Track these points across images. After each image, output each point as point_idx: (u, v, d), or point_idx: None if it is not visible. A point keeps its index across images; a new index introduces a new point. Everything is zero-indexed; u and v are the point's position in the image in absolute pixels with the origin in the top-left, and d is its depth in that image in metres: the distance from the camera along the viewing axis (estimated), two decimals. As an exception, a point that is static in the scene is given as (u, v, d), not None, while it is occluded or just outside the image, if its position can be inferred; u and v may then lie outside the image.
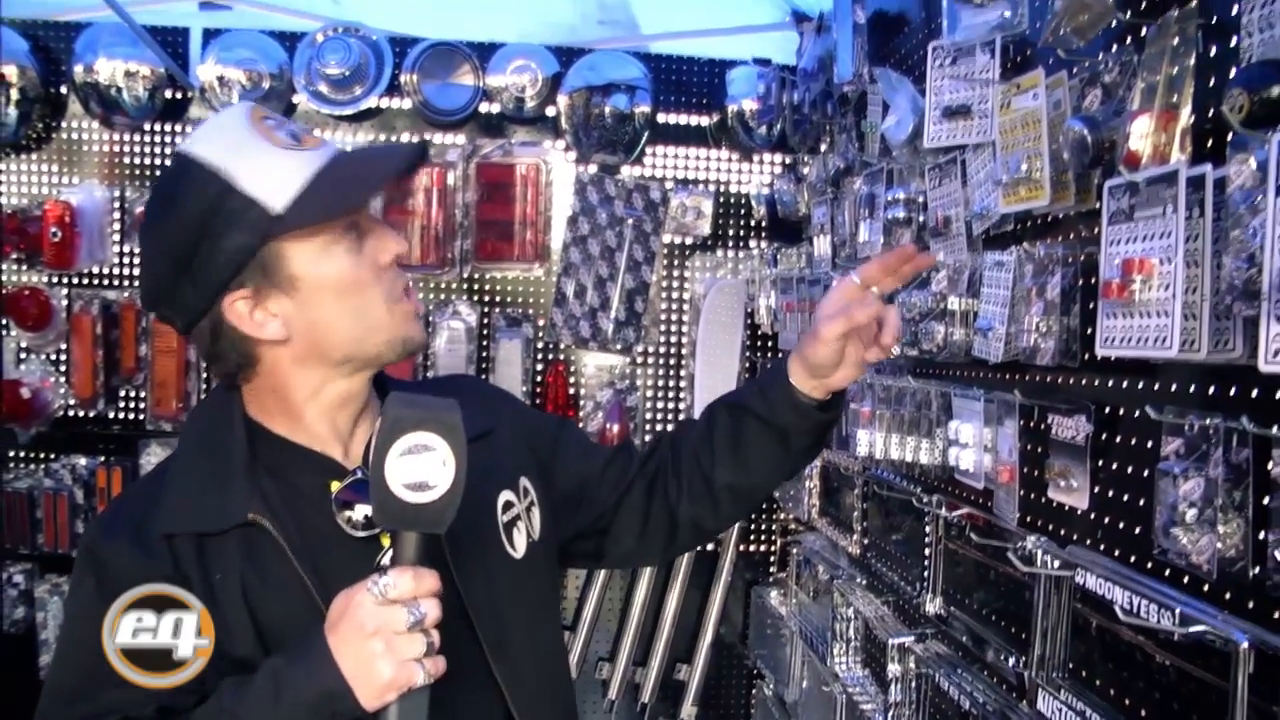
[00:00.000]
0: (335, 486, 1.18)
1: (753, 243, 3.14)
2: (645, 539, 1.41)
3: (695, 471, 1.37)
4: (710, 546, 3.07)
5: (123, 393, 2.92)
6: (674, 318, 3.13)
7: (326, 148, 1.15)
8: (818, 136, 2.61)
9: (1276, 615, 0.99)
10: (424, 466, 0.95)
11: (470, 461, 1.10)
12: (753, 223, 3.14)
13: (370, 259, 1.15)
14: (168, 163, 2.87)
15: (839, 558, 2.42)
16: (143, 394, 2.91)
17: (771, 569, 3.15)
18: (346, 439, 1.22)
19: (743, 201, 3.14)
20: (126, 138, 2.94)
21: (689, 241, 3.12)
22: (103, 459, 2.90)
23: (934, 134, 1.68)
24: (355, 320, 1.14)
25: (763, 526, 3.17)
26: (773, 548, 3.17)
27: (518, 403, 1.55)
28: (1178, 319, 1.02)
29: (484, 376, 3.02)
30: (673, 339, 3.13)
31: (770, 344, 3.08)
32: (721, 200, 3.12)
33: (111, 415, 2.92)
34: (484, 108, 2.98)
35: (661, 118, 3.06)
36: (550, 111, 2.99)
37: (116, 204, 2.93)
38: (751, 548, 3.16)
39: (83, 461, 2.90)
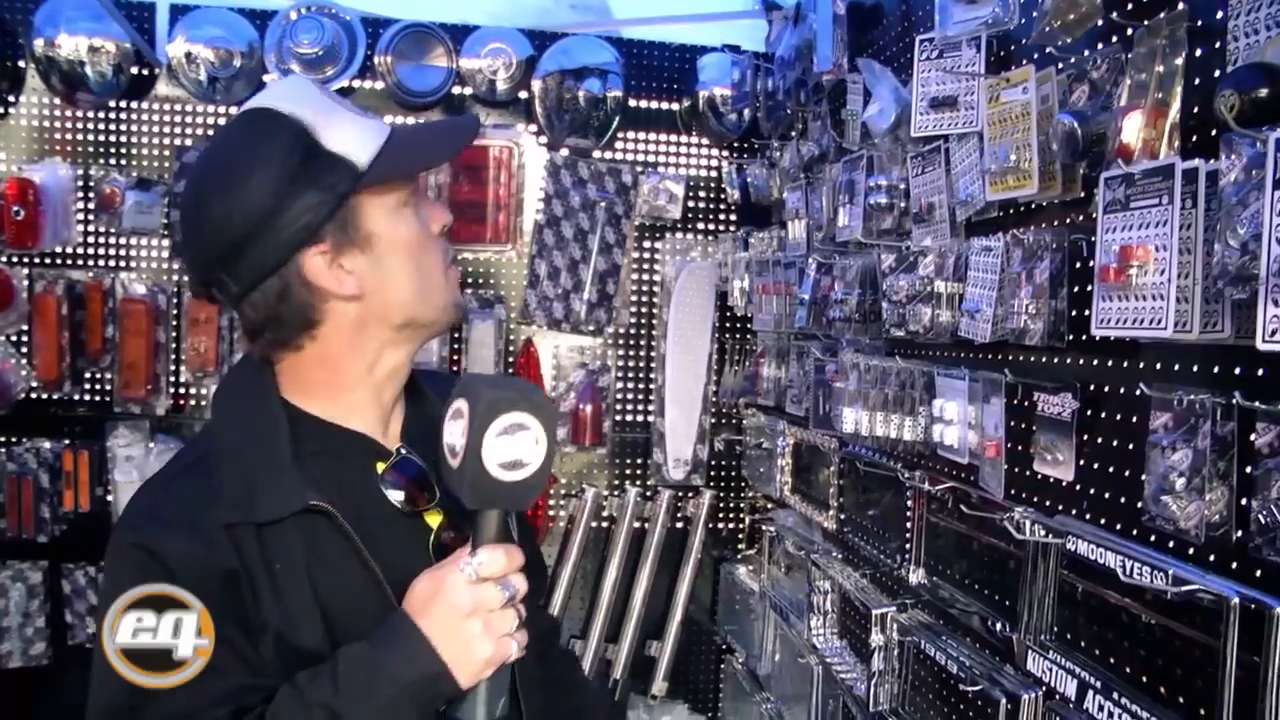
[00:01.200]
0: (381, 467, 1.18)
1: (723, 226, 3.20)
2: None
3: None
4: (680, 524, 3.14)
5: (89, 375, 2.88)
6: (645, 300, 3.17)
7: (384, 120, 1.22)
8: (791, 124, 2.67)
9: (1258, 574, 1.08)
10: (520, 445, 0.97)
11: None
12: (722, 206, 3.20)
13: (427, 225, 1.20)
14: (134, 140, 2.87)
15: (813, 533, 2.50)
16: (109, 376, 2.87)
17: (740, 546, 3.22)
18: (388, 418, 1.23)
19: (712, 186, 3.20)
20: (90, 115, 2.88)
21: (660, 224, 3.17)
22: (68, 442, 2.86)
23: (920, 124, 1.74)
24: (421, 281, 1.18)
25: (731, 504, 3.24)
26: (741, 525, 3.25)
27: None
28: (1172, 302, 1.10)
29: (457, 358, 3.04)
30: (643, 320, 3.17)
31: (743, 325, 3.15)
32: (692, 184, 3.17)
33: (77, 398, 2.88)
34: (456, 90, 2.98)
35: (633, 102, 3.09)
36: (523, 95, 3.01)
37: (81, 182, 2.87)
38: (720, 525, 3.23)
39: (47, 445, 2.85)
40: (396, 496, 1.17)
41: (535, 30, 3.00)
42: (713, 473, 3.21)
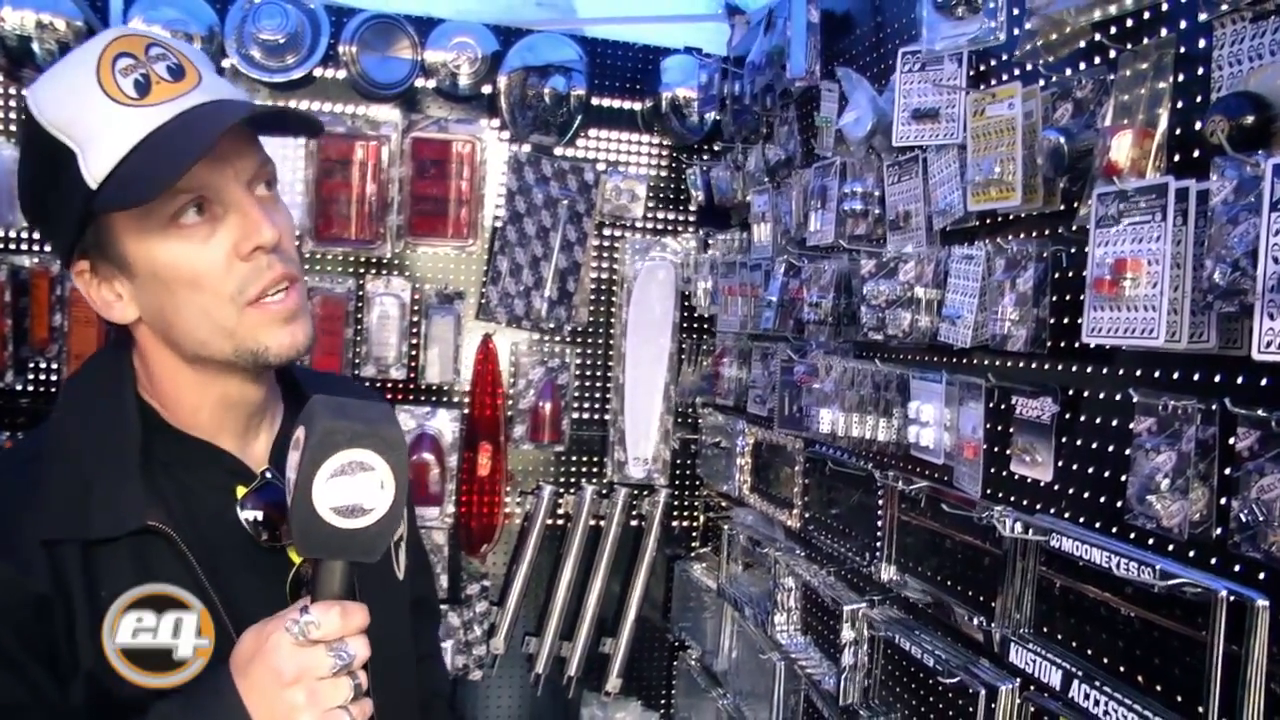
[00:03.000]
0: (241, 491, 1.04)
1: (683, 227, 3.23)
2: None
3: None
4: (634, 523, 3.17)
5: (34, 364, 2.78)
6: (604, 298, 3.19)
7: (186, 97, 0.96)
8: (756, 127, 2.71)
9: (1237, 569, 1.15)
10: (359, 488, 0.83)
11: None
12: (682, 208, 3.24)
13: (223, 246, 0.97)
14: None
15: (774, 531, 2.55)
16: (55, 366, 2.78)
17: (694, 544, 3.26)
18: (243, 439, 1.09)
19: (673, 186, 3.23)
20: (36, 95, 2.78)
21: (621, 223, 3.19)
22: (11, 435, 2.75)
23: (902, 134, 1.80)
24: (198, 318, 0.98)
25: (685, 503, 3.28)
26: (695, 523, 3.29)
27: None
28: (1164, 314, 1.16)
29: (415, 353, 3.01)
30: (602, 319, 3.19)
31: (702, 325, 3.19)
32: (652, 184, 3.20)
33: (20, 388, 2.77)
34: (419, 83, 2.95)
35: (596, 101, 3.11)
36: (485, 90, 3.00)
37: (25, 165, 2.77)
38: (674, 524, 3.27)
39: (-14, 436, 2.74)
40: (254, 526, 1.03)
41: (501, 25, 3.00)
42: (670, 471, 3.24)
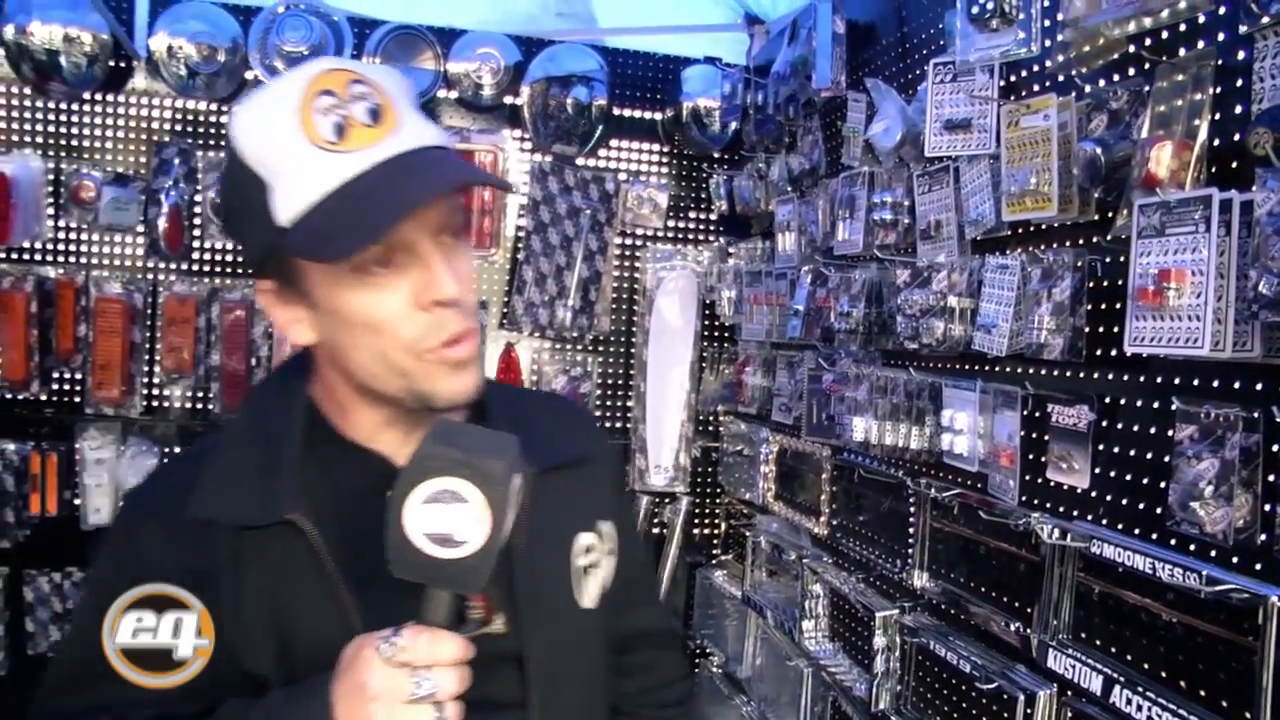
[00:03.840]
0: None
1: (704, 236, 3.26)
2: None
3: None
4: (656, 530, 3.18)
5: (58, 375, 2.80)
6: (625, 307, 3.21)
7: (381, 145, 0.94)
8: (779, 137, 2.73)
9: (1282, 576, 1.16)
10: (452, 518, 0.81)
11: (555, 490, 1.04)
12: (703, 217, 3.26)
13: (404, 296, 0.96)
14: (110, 134, 2.81)
15: (800, 538, 2.56)
16: (79, 376, 2.80)
17: (716, 551, 3.27)
18: (402, 447, 1.07)
19: (694, 196, 3.25)
20: (64, 106, 2.81)
21: (642, 232, 3.21)
22: (35, 444, 2.77)
23: (934, 144, 1.82)
24: (372, 359, 0.99)
25: (707, 510, 3.29)
26: (717, 531, 3.30)
27: (606, 446, 1.32)
28: (1209, 323, 1.18)
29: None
30: (623, 328, 3.21)
31: (724, 333, 3.20)
32: (673, 194, 3.22)
33: (45, 398, 2.79)
34: (442, 94, 2.98)
35: (617, 111, 3.13)
36: (507, 100, 3.02)
37: (52, 176, 2.80)
38: (695, 531, 3.28)
39: (13, 447, 2.75)
40: None
41: (523, 36, 3.02)
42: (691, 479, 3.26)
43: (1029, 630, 1.56)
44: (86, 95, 2.81)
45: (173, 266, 2.87)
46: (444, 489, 0.81)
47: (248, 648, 1.00)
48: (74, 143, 2.83)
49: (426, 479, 0.81)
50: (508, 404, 1.17)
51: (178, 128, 2.88)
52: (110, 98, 2.84)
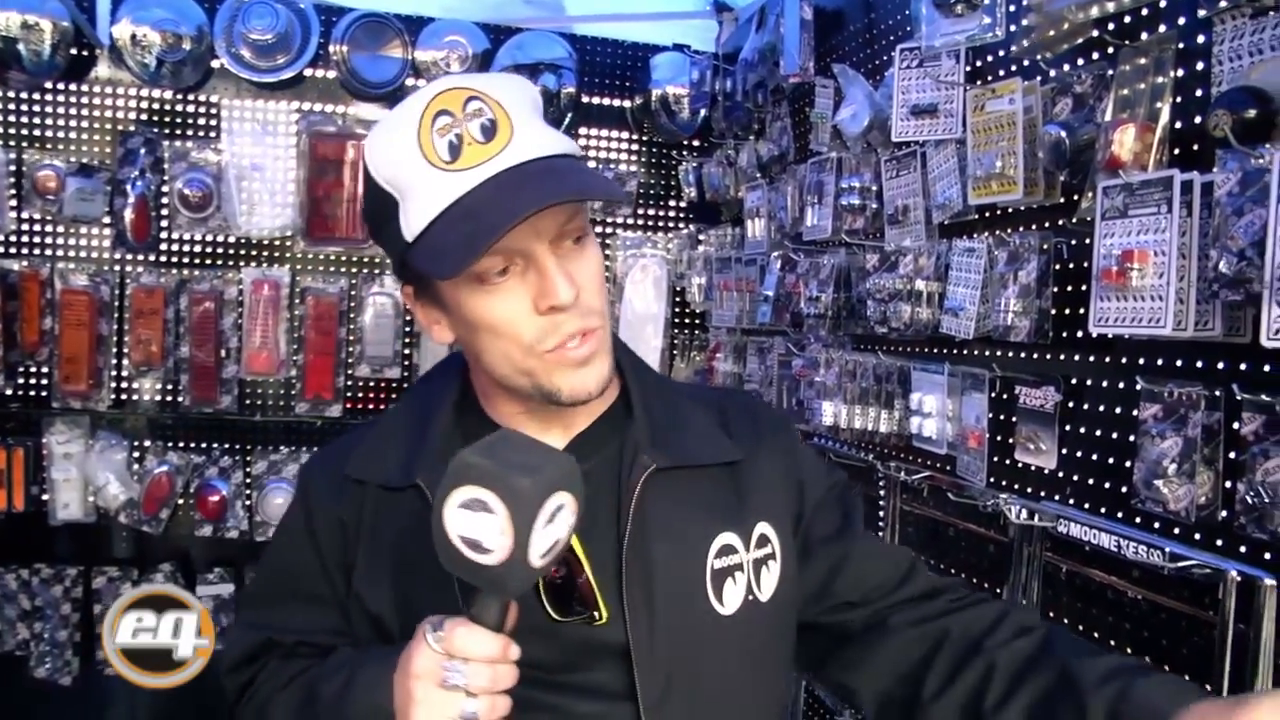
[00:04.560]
0: None
1: (673, 223, 3.26)
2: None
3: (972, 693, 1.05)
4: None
5: (24, 369, 2.76)
6: (596, 295, 3.20)
7: (492, 162, 0.97)
8: (748, 124, 2.74)
9: (1242, 550, 1.19)
10: (480, 526, 0.84)
11: (689, 490, 1.06)
12: (672, 204, 3.26)
13: (524, 302, 1.00)
14: (73, 124, 2.77)
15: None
16: (46, 370, 2.76)
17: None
18: (541, 435, 1.08)
19: (663, 183, 3.25)
20: (25, 96, 2.76)
21: (612, 220, 3.20)
22: (1, 439, 2.72)
23: (901, 129, 1.83)
24: (499, 360, 1.04)
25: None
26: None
27: (795, 440, 1.25)
28: (1172, 303, 1.19)
29: (408, 351, 3.02)
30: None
31: (695, 320, 3.21)
32: (643, 181, 3.22)
33: (11, 393, 2.75)
34: (410, 82, 2.96)
35: (585, 99, 3.12)
36: (476, 88, 3.00)
37: (13, 167, 2.74)
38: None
39: (-24, 441, 2.72)
40: None
41: (490, 24, 3.00)
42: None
43: (998, 609, 1.58)
44: (48, 84, 2.76)
45: (140, 258, 2.83)
46: (474, 498, 0.84)
47: (372, 595, 1.08)
48: (36, 133, 2.78)
49: (460, 485, 0.84)
50: (655, 401, 1.16)
51: (143, 117, 2.84)
52: (73, 87, 2.80)
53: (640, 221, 3.24)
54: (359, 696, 0.98)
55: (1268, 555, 1.16)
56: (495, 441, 0.87)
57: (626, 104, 3.21)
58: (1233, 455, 1.21)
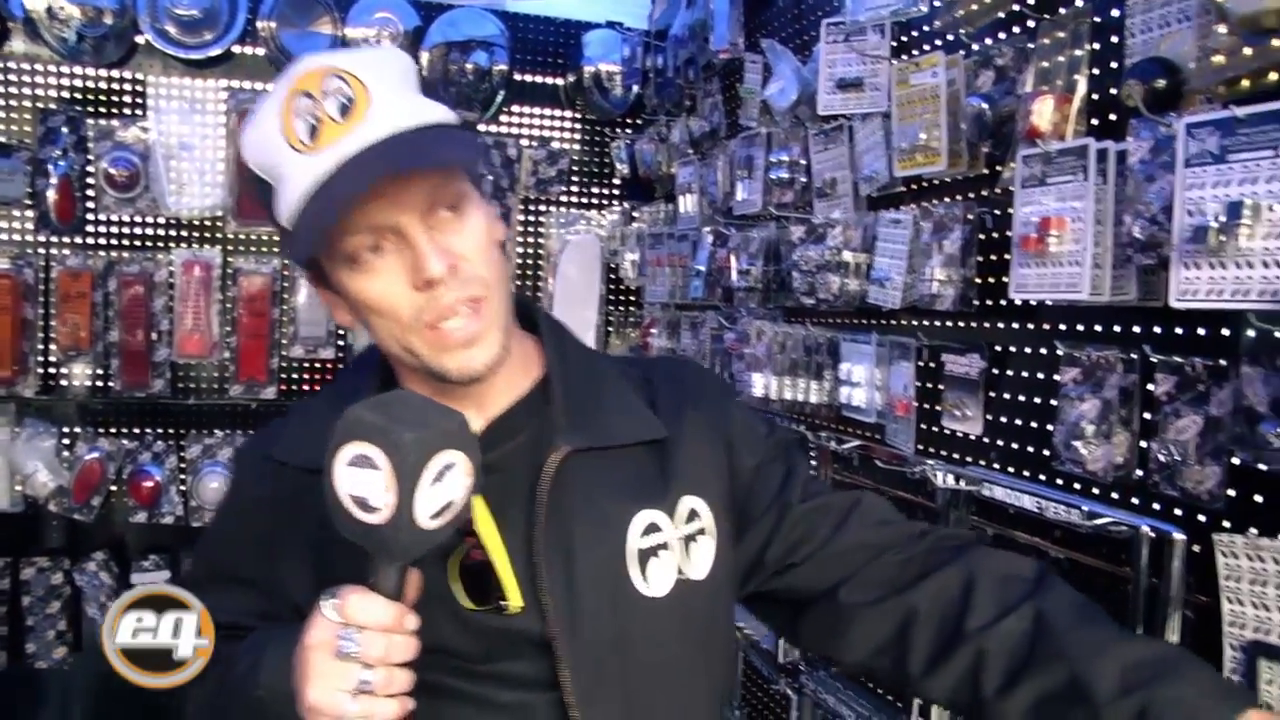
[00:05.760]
0: None
1: (607, 200, 3.25)
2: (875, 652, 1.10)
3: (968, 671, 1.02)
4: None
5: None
6: (530, 272, 3.19)
7: (347, 140, 0.93)
8: (680, 100, 2.74)
9: (1156, 507, 1.23)
10: (367, 483, 0.82)
11: (607, 469, 1.03)
12: (606, 181, 3.25)
13: (398, 279, 0.98)
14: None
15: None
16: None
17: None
18: (477, 406, 1.06)
19: (596, 161, 3.24)
20: (-73, 71, 2.64)
21: (544, 198, 3.18)
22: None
23: (827, 103, 1.84)
24: (387, 338, 1.02)
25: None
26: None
27: (735, 407, 1.20)
28: (1089, 268, 1.23)
29: (342, 331, 2.97)
30: (527, 292, 3.19)
31: (629, 296, 3.21)
32: (576, 158, 3.20)
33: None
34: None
35: (518, 76, 3.09)
36: (405, 64, 2.95)
37: (-79, 146, 2.63)
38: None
39: (-109, 431, 2.61)
40: None
41: (422, 0, 2.95)
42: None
43: (926, 573, 1.61)
44: (-46, 59, 2.65)
45: (65, 240, 2.74)
46: (360, 453, 0.82)
47: (293, 579, 1.07)
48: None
49: (348, 442, 0.83)
50: (578, 380, 1.11)
51: (65, 95, 2.74)
52: (-20, 61, 2.68)
53: (574, 199, 3.22)
54: (263, 679, 0.95)
55: (1178, 511, 1.20)
56: (389, 399, 0.86)
57: (559, 81, 3.18)
58: (1147, 416, 1.25)
